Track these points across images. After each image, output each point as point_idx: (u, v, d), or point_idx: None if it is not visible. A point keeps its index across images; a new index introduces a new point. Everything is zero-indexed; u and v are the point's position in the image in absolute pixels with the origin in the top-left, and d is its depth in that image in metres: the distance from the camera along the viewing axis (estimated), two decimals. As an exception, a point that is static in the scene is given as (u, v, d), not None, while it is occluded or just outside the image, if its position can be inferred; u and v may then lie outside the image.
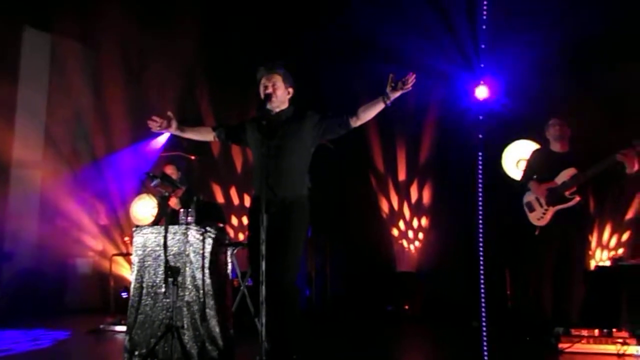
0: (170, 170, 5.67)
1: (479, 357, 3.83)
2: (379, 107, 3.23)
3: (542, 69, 5.92)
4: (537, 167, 4.69)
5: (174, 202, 5.24)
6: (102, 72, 7.98)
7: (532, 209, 4.60)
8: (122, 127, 7.85)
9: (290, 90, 3.43)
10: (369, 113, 3.28)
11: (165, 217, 3.91)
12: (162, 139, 7.84)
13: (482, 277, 3.61)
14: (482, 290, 3.51)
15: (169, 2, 7.54)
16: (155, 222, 5.51)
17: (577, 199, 4.39)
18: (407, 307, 6.52)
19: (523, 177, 4.80)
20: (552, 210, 4.46)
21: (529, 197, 4.65)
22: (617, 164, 4.17)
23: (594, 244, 6.22)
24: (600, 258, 6.17)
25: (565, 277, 4.39)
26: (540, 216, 4.53)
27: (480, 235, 3.82)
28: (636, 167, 4.10)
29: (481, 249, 3.73)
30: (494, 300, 6.04)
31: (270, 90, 3.30)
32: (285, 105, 3.41)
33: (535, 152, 4.86)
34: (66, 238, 7.73)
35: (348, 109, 3.35)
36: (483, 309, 3.42)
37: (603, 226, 6.22)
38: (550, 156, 4.64)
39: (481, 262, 3.64)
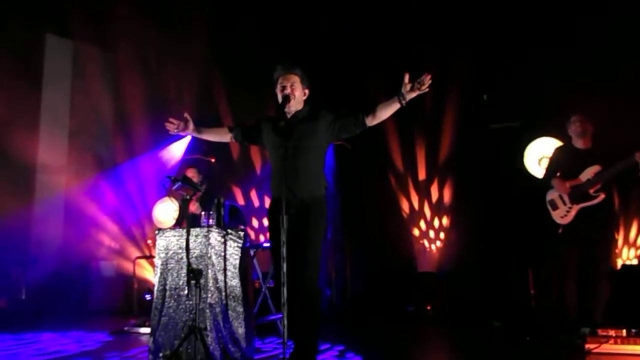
0: (191, 174, 5.72)
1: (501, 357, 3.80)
2: (394, 107, 3.22)
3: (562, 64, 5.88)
4: (560, 164, 4.61)
5: (194, 207, 5.29)
6: (121, 75, 8.08)
7: (555, 207, 4.52)
8: (142, 129, 7.94)
9: (307, 91, 3.44)
10: (385, 112, 3.27)
11: (186, 219, 3.93)
12: (185, 142, 7.92)
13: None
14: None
15: (184, 4, 7.61)
16: (177, 224, 5.56)
17: (602, 196, 4.30)
18: (428, 307, 6.46)
19: (546, 174, 4.73)
20: (576, 208, 4.38)
21: (552, 195, 4.57)
22: (635, 164, 4.10)
23: (620, 242, 6.10)
24: (627, 256, 6.05)
25: (590, 276, 4.31)
26: (564, 214, 4.45)
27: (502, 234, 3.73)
28: None
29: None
30: (517, 300, 6.03)
31: (288, 91, 3.31)
32: (301, 106, 3.42)
33: (558, 149, 4.78)
34: (90, 241, 7.85)
35: (363, 108, 3.35)
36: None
37: (630, 224, 6.10)
38: (574, 153, 4.56)
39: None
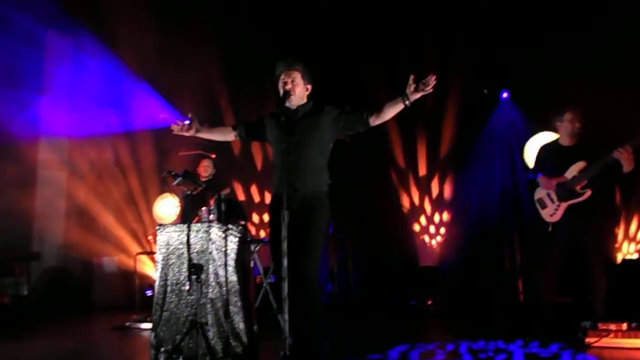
0: (206, 163, 5.76)
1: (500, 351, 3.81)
2: (398, 107, 3.23)
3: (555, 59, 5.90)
4: (546, 162, 4.61)
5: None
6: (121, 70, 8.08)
7: (544, 206, 4.49)
8: (143, 125, 7.95)
9: (309, 86, 3.44)
10: (389, 113, 3.28)
11: (187, 214, 3.94)
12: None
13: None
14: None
15: (186, 1, 7.61)
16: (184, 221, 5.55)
17: (588, 192, 4.29)
18: (429, 302, 6.48)
19: (532, 172, 4.72)
20: (563, 206, 4.37)
21: (540, 194, 4.54)
22: (614, 162, 4.11)
23: (620, 236, 6.11)
24: (627, 251, 6.06)
25: (584, 270, 4.31)
26: (552, 212, 4.44)
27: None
28: (632, 166, 4.05)
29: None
30: (513, 293, 6.07)
31: (289, 86, 3.31)
32: (303, 101, 3.42)
33: (543, 147, 4.75)
34: (92, 237, 7.87)
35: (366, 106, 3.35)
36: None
37: (630, 219, 6.11)
38: (559, 150, 4.53)
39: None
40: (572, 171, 4.36)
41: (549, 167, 4.52)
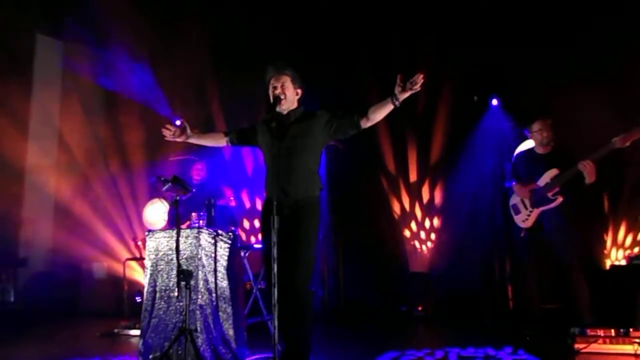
0: (199, 167, 5.73)
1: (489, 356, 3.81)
2: (388, 107, 3.22)
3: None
4: (521, 169, 4.71)
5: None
6: (112, 76, 8.05)
7: (517, 212, 4.65)
8: (134, 130, 7.91)
9: (299, 90, 3.44)
10: (379, 114, 3.26)
11: (176, 220, 3.91)
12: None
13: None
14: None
15: (177, 3, 7.59)
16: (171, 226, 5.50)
17: (560, 199, 4.38)
18: (420, 307, 6.48)
19: (507, 179, 4.82)
20: (536, 212, 4.49)
21: (514, 200, 4.69)
22: (578, 173, 4.22)
23: (609, 243, 6.16)
24: (615, 257, 6.10)
25: (564, 277, 4.38)
26: (525, 218, 4.57)
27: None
28: (593, 179, 4.17)
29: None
30: (503, 299, 6.09)
31: (279, 91, 3.31)
32: (294, 106, 3.42)
33: (519, 154, 4.91)
34: (80, 243, 7.80)
35: (357, 109, 3.35)
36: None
37: (618, 225, 6.16)
38: (533, 158, 4.67)
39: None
40: (544, 178, 4.47)
41: (523, 174, 4.63)
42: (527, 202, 4.56)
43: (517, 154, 4.93)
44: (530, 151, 4.77)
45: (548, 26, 6.11)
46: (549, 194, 4.42)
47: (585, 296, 4.27)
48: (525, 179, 4.62)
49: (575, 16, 5.97)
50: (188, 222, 3.95)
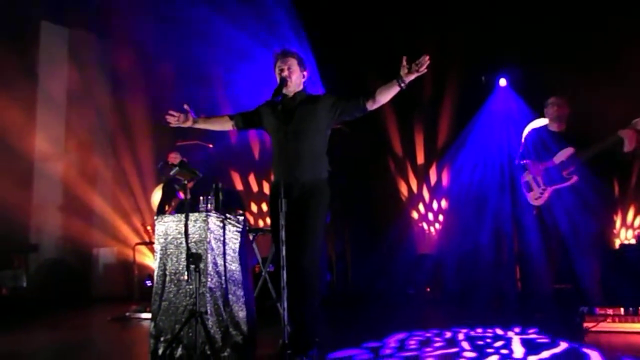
0: (173, 155, 5.70)
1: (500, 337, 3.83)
2: (394, 90, 3.19)
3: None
4: (534, 146, 4.63)
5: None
6: (118, 62, 8.04)
7: (530, 189, 4.57)
8: (139, 116, 7.92)
9: (305, 73, 3.42)
10: (385, 96, 3.24)
11: (178, 204, 3.93)
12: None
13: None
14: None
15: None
16: (160, 210, 5.45)
17: (575, 178, 4.32)
18: (428, 289, 6.50)
19: (519, 156, 4.74)
20: (549, 190, 4.42)
21: (526, 177, 4.61)
22: (618, 141, 4.11)
23: (618, 223, 6.14)
24: (625, 237, 6.09)
25: (574, 256, 4.35)
26: (538, 196, 4.50)
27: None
28: (633, 145, 4.05)
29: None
30: (511, 280, 6.10)
31: (286, 73, 3.29)
32: (300, 89, 3.40)
33: (532, 131, 4.78)
34: (90, 228, 7.86)
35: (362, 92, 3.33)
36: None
37: (627, 207, 6.13)
38: (548, 135, 4.57)
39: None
40: (560, 157, 4.39)
41: (537, 152, 4.56)
42: (539, 179, 4.49)
43: (530, 132, 4.81)
44: (543, 129, 4.66)
45: (559, 3, 6.00)
46: (564, 173, 4.37)
47: (597, 276, 4.25)
48: (537, 157, 4.55)
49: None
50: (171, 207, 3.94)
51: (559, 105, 4.50)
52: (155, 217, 3.97)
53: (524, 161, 4.63)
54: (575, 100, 4.59)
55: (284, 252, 2.87)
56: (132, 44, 7.72)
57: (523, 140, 4.79)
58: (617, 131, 4.10)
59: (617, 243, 5.92)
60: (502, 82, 6.66)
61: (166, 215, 3.94)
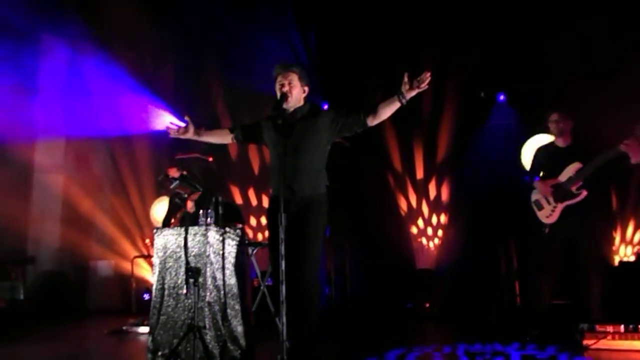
0: (173, 173, 5.68)
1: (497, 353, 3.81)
2: (394, 106, 3.21)
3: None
4: (542, 164, 4.63)
5: (189, 206, 5.26)
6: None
7: (540, 207, 4.53)
8: (140, 127, 7.93)
9: (306, 88, 3.43)
10: (386, 112, 3.26)
11: (186, 218, 3.93)
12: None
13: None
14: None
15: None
16: (166, 223, 5.46)
17: (584, 193, 4.32)
18: (427, 304, 6.48)
19: (528, 175, 4.74)
20: (560, 207, 4.40)
21: (536, 195, 4.58)
22: (621, 154, 4.10)
23: (617, 240, 6.13)
24: (624, 254, 6.08)
25: (580, 273, 4.34)
26: (549, 213, 4.46)
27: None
28: (639, 157, 4.02)
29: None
30: (510, 295, 6.07)
31: (286, 88, 3.30)
32: (300, 104, 3.41)
33: (540, 148, 4.80)
34: (88, 241, 7.84)
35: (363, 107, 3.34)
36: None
37: (626, 222, 6.13)
38: (554, 151, 4.57)
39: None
40: (567, 172, 4.39)
41: (545, 169, 4.55)
42: (549, 197, 4.47)
43: (538, 148, 4.79)
44: (551, 145, 4.66)
45: (557, 19, 6.05)
46: (573, 188, 4.36)
47: (599, 294, 4.24)
48: (547, 174, 4.53)
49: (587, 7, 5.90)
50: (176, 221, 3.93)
51: (557, 122, 4.52)
52: (154, 230, 3.97)
53: (534, 179, 4.60)
54: (575, 115, 4.60)
55: (283, 267, 2.86)
56: (133, 54, 7.74)
57: (532, 157, 4.77)
58: (618, 144, 4.09)
59: (617, 260, 5.91)
60: (501, 97, 6.70)
61: (165, 228, 3.94)
